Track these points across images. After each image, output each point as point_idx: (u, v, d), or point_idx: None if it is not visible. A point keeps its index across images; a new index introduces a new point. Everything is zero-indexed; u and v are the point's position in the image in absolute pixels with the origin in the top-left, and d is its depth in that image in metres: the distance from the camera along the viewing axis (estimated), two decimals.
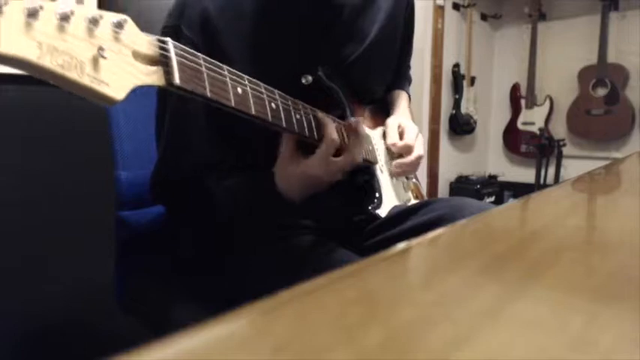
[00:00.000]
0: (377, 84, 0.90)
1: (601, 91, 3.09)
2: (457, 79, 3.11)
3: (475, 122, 3.22)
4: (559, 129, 3.28)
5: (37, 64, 0.34)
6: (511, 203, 0.48)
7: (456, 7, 3.13)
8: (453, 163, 3.23)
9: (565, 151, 3.02)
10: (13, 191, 1.09)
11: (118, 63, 0.40)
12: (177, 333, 0.17)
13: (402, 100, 0.99)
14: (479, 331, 0.18)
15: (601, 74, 3.05)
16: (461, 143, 3.31)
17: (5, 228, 1.07)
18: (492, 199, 3.19)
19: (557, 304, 0.21)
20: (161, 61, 0.45)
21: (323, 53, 0.78)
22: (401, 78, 1.05)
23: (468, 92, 3.17)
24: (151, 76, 0.44)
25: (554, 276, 0.24)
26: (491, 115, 3.63)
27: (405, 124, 0.89)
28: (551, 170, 3.05)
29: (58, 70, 0.36)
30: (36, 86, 1.12)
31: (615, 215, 0.44)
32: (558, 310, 0.20)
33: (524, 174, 3.46)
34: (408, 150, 0.86)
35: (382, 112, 0.97)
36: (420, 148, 0.88)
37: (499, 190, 3.29)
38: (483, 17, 3.46)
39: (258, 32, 0.72)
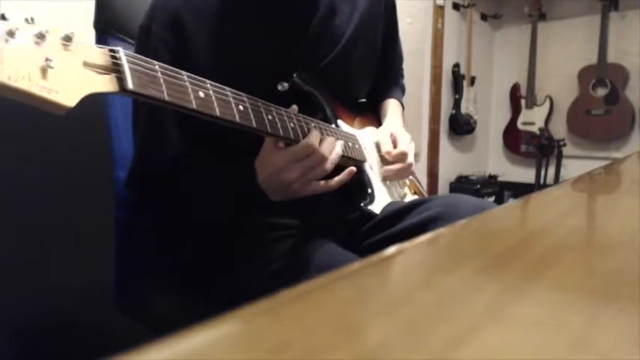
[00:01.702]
0: (358, 83, 0.90)
1: (601, 91, 3.09)
2: (457, 79, 3.11)
3: (475, 122, 3.21)
4: (559, 129, 3.28)
5: None
6: (511, 203, 0.48)
7: (456, 7, 3.13)
8: (453, 163, 3.23)
9: (565, 151, 3.02)
10: (12, 192, 1.09)
11: (68, 72, 0.42)
12: (177, 333, 0.17)
13: (392, 109, 0.99)
14: (479, 331, 0.18)
15: (601, 74, 3.05)
16: (461, 143, 3.31)
17: (4, 228, 1.07)
18: (492, 199, 3.18)
19: (557, 304, 0.21)
20: (114, 69, 0.46)
21: (298, 55, 0.77)
22: (390, 85, 1.04)
23: (468, 92, 3.16)
24: (105, 84, 0.46)
25: (554, 276, 0.24)
26: (491, 115, 3.63)
27: (397, 132, 0.90)
28: (551, 170, 3.05)
29: (6, 81, 0.37)
30: None
31: (615, 215, 0.44)
32: (558, 310, 0.20)
33: (524, 174, 3.46)
34: (402, 157, 0.87)
35: (369, 111, 0.96)
36: (411, 156, 0.88)
37: (499, 190, 3.29)
38: (483, 17, 3.46)
39: (230, 36, 0.72)
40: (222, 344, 0.17)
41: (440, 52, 2.94)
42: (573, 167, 3.11)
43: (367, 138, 0.89)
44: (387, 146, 0.87)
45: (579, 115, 3.17)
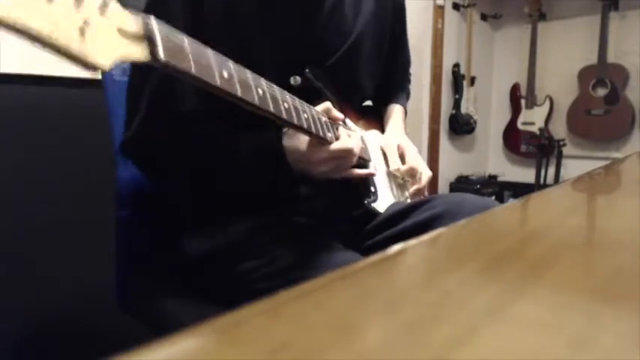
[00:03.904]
0: (365, 81, 0.90)
1: (601, 91, 3.09)
2: (457, 79, 3.11)
3: (475, 122, 3.21)
4: (559, 129, 3.28)
5: (29, 29, 0.37)
6: (511, 203, 0.48)
7: (456, 7, 3.13)
8: (453, 163, 3.23)
9: (565, 151, 3.02)
10: (13, 192, 1.09)
11: (104, 35, 0.43)
12: (178, 333, 0.17)
13: (395, 115, 0.99)
14: (479, 331, 0.18)
15: (601, 74, 3.05)
16: (461, 143, 3.31)
17: (5, 229, 1.07)
18: (492, 199, 3.18)
19: (557, 304, 0.21)
20: (146, 36, 0.47)
21: (308, 49, 0.77)
22: (396, 89, 1.04)
23: (468, 92, 3.16)
24: (137, 52, 0.46)
25: (554, 276, 0.24)
26: (491, 115, 3.63)
27: (404, 146, 0.91)
28: (551, 170, 3.04)
29: (48, 37, 0.38)
30: (36, 86, 1.12)
31: (615, 215, 0.44)
32: (558, 310, 0.20)
33: (524, 174, 3.46)
34: (412, 173, 0.88)
35: (373, 115, 0.97)
36: (427, 169, 0.91)
37: (499, 190, 3.29)
38: (483, 17, 3.46)
39: (241, 25, 0.72)
40: (223, 344, 0.17)
41: (440, 52, 2.93)
42: (573, 167, 3.11)
43: (371, 139, 0.89)
44: (394, 161, 0.89)
45: (579, 115, 3.17)
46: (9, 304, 1.08)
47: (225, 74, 0.53)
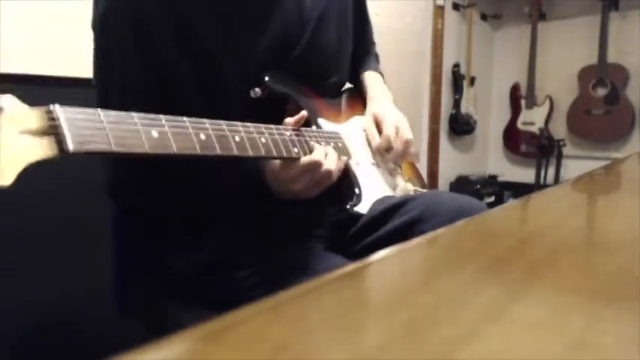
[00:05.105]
0: (336, 68, 0.86)
1: (601, 91, 3.09)
2: (457, 79, 3.11)
3: (475, 122, 3.21)
4: (559, 129, 3.28)
5: None
6: (511, 203, 0.48)
7: (456, 7, 3.13)
8: (453, 163, 3.23)
9: (565, 151, 3.02)
10: (12, 192, 1.09)
11: (4, 143, 0.39)
12: (177, 333, 0.17)
13: (372, 85, 0.94)
14: (479, 332, 0.18)
15: (601, 74, 3.05)
16: (461, 143, 3.31)
17: (3, 229, 1.07)
18: (492, 199, 3.18)
19: (558, 305, 0.21)
20: (51, 131, 0.43)
21: (266, 53, 0.73)
22: (363, 57, 0.99)
23: (467, 92, 3.16)
24: (43, 148, 0.42)
25: (554, 277, 0.24)
26: (491, 115, 3.63)
27: (382, 115, 0.86)
28: (551, 170, 3.04)
29: None
30: (36, 86, 1.12)
31: (615, 216, 0.44)
32: (558, 311, 0.20)
33: (524, 174, 3.46)
34: (389, 142, 0.84)
35: (353, 97, 0.93)
36: (406, 132, 0.85)
37: (499, 190, 3.28)
38: (483, 17, 3.46)
39: (200, 45, 0.68)
40: (222, 345, 0.17)
41: (440, 52, 2.93)
42: (573, 167, 3.10)
43: (353, 131, 0.86)
44: (373, 137, 0.85)
45: (579, 115, 3.17)
46: (9, 304, 1.08)
47: (156, 134, 0.49)
